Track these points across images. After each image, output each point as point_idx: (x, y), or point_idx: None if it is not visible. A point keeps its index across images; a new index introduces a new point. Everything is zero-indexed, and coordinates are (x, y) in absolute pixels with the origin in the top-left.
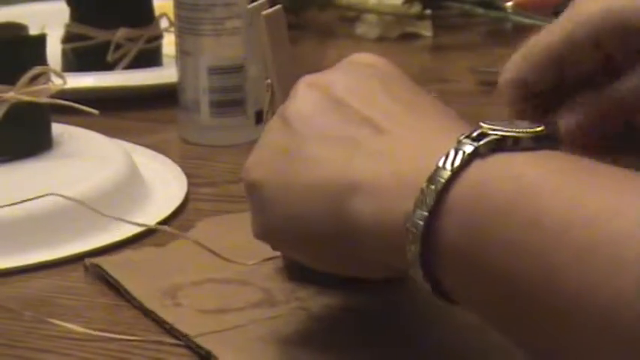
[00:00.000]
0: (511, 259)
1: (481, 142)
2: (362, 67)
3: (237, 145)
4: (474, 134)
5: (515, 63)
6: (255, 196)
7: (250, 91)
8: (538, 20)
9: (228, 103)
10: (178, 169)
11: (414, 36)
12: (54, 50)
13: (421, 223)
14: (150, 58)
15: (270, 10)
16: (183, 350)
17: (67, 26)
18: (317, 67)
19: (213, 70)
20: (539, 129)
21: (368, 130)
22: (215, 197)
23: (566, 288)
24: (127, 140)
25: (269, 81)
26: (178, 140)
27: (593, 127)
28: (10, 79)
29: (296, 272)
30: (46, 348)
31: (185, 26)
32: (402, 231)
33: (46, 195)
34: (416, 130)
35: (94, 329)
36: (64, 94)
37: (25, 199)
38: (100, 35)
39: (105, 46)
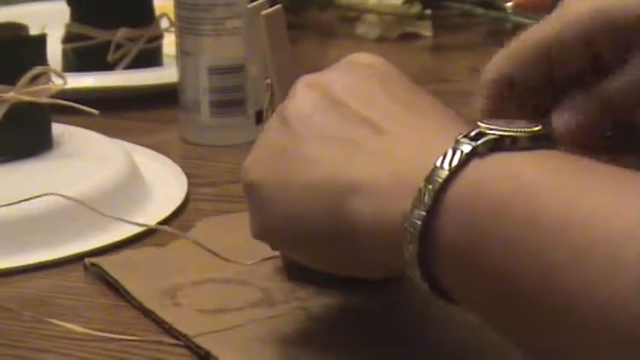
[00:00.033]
0: (509, 258)
1: (479, 142)
2: (361, 67)
3: (237, 145)
4: (472, 134)
5: (497, 63)
6: (254, 196)
7: (250, 91)
8: (538, 20)
9: (228, 103)
10: (178, 169)
11: (414, 36)
12: (54, 50)
13: (419, 222)
14: (150, 58)
15: (269, 10)
16: (183, 350)
17: (68, 26)
18: (317, 67)
19: (214, 70)
20: (536, 128)
21: (367, 130)
22: (215, 197)
23: (563, 287)
24: (127, 140)
25: (269, 81)
26: (178, 140)
27: (590, 126)
28: (11, 79)
29: (295, 272)
30: (46, 348)
31: (185, 26)
32: (400, 231)
33: (46, 194)
34: (415, 130)
35: (94, 329)
36: (64, 94)
37: (25, 198)
38: (100, 35)
39: (105, 46)
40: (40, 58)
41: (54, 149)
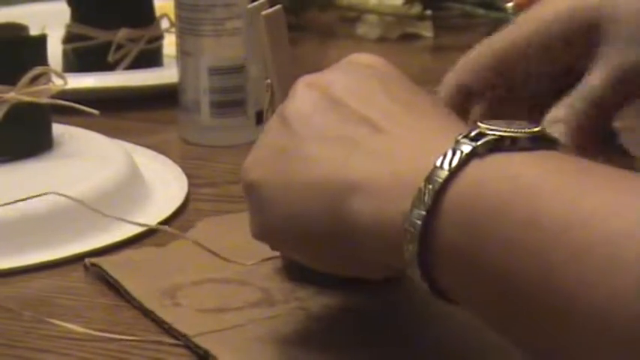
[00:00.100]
0: (509, 258)
1: (479, 142)
2: (361, 68)
3: (237, 146)
4: (472, 134)
5: (452, 76)
6: (254, 196)
7: (251, 92)
8: None
9: (228, 103)
10: (179, 169)
11: (415, 36)
12: (55, 50)
13: (419, 222)
14: (150, 58)
15: (269, 11)
16: (183, 350)
17: (68, 26)
18: (317, 68)
19: (214, 71)
20: (536, 129)
21: (366, 130)
22: (215, 197)
23: (563, 287)
24: (127, 141)
25: (269, 81)
26: (179, 141)
27: (589, 127)
28: (11, 80)
29: (295, 272)
30: (46, 348)
31: (186, 27)
32: (400, 231)
33: (47, 194)
34: (414, 129)
35: (94, 329)
36: (64, 94)
37: (24, 197)
38: (100, 36)
39: (106, 47)
40: (41, 58)
41: (54, 149)
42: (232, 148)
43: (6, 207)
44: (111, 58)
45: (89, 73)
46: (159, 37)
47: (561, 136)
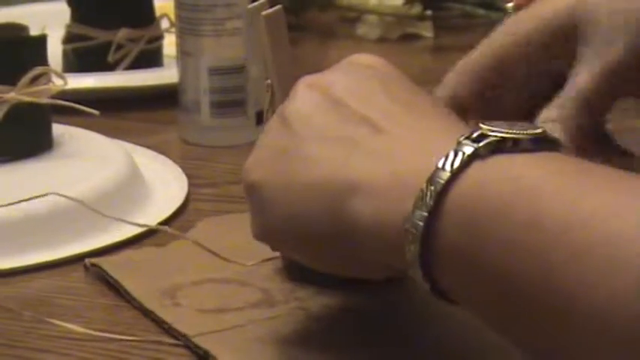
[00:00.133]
0: (510, 259)
1: (481, 144)
2: (361, 68)
3: (237, 146)
4: (474, 135)
5: (447, 83)
6: (255, 197)
7: (251, 92)
8: None
9: (228, 103)
10: (179, 169)
11: (415, 37)
12: (55, 51)
13: (421, 223)
14: (150, 58)
15: (270, 11)
16: (183, 350)
17: (68, 27)
18: (318, 68)
19: (214, 71)
20: (538, 131)
21: (366, 130)
22: (215, 198)
23: (563, 287)
24: (127, 141)
25: (269, 81)
26: (179, 141)
27: (582, 127)
28: (11, 80)
29: (295, 272)
30: (46, 348)
31: (186, 27)
32: (401, 231)
33: (47, 194)
34: (415, 130)
35: (94, 329)
36: (64, 94)
37: (25, 198)
38: (100, 36)
39: (106, 47)
40: (41, 58)
41: (54, 150)
42: (232, 149)
43: (6, 207)
44: (111, 58)
45: (89, 74)
46: (159, 37)
47: (557, 136)
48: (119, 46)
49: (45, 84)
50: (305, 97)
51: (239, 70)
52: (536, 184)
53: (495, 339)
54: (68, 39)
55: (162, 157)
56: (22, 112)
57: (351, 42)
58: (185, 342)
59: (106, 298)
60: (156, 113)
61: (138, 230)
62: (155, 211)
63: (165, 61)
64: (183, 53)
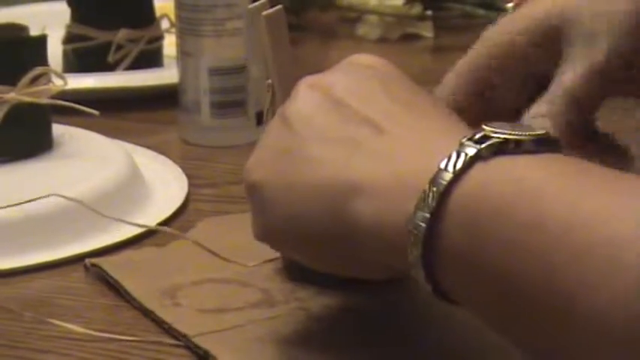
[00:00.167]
0: (511, 260)
1: (483, 145)
2: (362, 68)
3: (237, 146)
4: (476, 136)
5: (445, 88)
6: (256, 197)
7: (251, 92)
8: None
9: (228, 104)
10: (179, 169)
11: (415, 37)
12: (55, 51)
13: (423, 225)
14: (151, 59)
15: (270, 11)
16: (183, 351)
17: (68, 27)
18: (318, 68)
19: (214, 71)
20: (540, 132)
21: (368, 131)
22: (215, 198)
23: (564, 288)
24: (127, 141)
25: (269, 81)
26: (179, 141)
27: (572, 123)
28: (11, 80)
29: (296, 273)
30: (46, 348)
31: (186, 27)
32: (403, 232)
33: (48, 196)
34: (416, 130)
35: (94, 329)
36: (64, 94)
37: (25, 199)
38: (100, 36)
39: (106, 47)
40: (41, 58)
41: (54, 150)
42: (233, 149)
43: (7, 208)
44: (111, 58)
45: (89, 74)
46: (159, 38)
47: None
48: (119, 47)
49: (45, 84)
50: (306, 98)
51: (239, 70)
52: (539, 186)
53: (496, 339)
54: (68, 39)
55: (162, 158)
56: (22, 113)
57: (351, 42)
58: (185, 342)
59: (106, 298)
60: (156, 113)
61: (138, 230)
62: (155, 212)
63: (166, 61)
64: (183, 53)
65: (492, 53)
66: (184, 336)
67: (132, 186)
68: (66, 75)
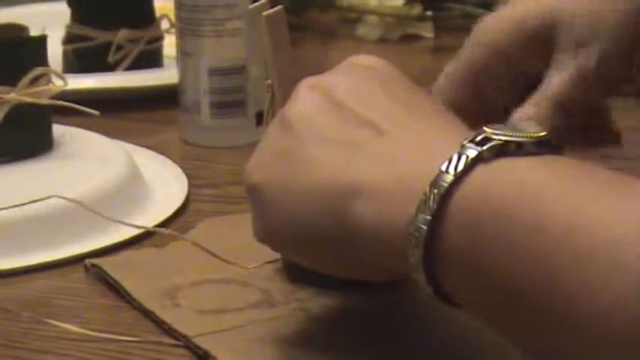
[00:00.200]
0: (512, 262)
1: (484, 147)
2: (361, 69)
3: (237, 147)
4: (478, 138)
5: (439, 90)
6: (256, 199)
7: (251, 93)
8: None
9: (228, 104)
10: (179, 170)
11: (415, 37)
12: (55, 51)
13: (424, 227)
14: (151, 59)
15: (270, 11)
16: (183, 351)
17: (68, 27)
18: (318, 68)
19: (214, 72)
20: (542, 134)
21: (368, 132)
22: (216, 198)
23: (565, 291)
24: (127, 141)
25: (269, 82)
26: (179, 141)
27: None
28: (11, 80)
29: (295, 274)
30: (45, 349)
31: (186, 27)
32: (403, 234)
33: (49, 197)
34: (416, 131)
35: (94, 330)
36: (64, 95)
37: (26, 200)
38: (100, 36)
39: (106, 48)
40: (41, 59)
41: (54, 150)
42: (232, 149)
43: (7, 208)
44: (111, 58)
45: (89, 74)
46: (159, 38)
47: None
48: (119, 47)
49: (45, 84)
50: (306, 99)
51: (239, 70)
52: (540, 188)
53: (496, 340)
54: (68, 39)
55: (162, 158)
56: (22, 113)
57: (351, 42)
58: (185, 342)
59: (106, 298)
60: (156, 114)
61: (138, 231)
62: (155, 212)
63: (166, 61)
64: (183, 54)
65: (477, 53)
66: (184, 336)
67: (132, 186)
68: (66, 75)
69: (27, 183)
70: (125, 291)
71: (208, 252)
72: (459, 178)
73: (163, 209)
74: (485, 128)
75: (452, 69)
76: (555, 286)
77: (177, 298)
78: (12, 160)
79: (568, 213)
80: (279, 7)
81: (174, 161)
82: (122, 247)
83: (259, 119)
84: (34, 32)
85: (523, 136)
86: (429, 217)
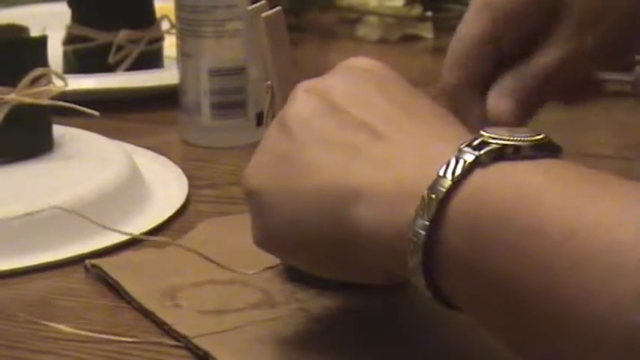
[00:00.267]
0: (511, 265)
1: (482, 151)
2: (359, 71)
3: (238, 147)
4: (475, 143)
5: (448, 72)
6: (255, 202)
7: (251, 93)
8: None
9: (229, 104)
10: (179, 170)
11: (415, 38)
12: (55, 52)
13: (422, 232)
14: (151, 59)
15: (270, 12)
16: (183, 352)
17: (69, 28)
18: (318, 69)
19: (214, 72)
20: (539, 137)
21: (366, 136)
22: (216, 199)
23: (564, 294)
24: (127, 142)
25: (269, 83)
26: (179, 142)
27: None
28: (12, 81)
29: (295, 275)
30: (45, 349)
31: (186, 28)
32: (403, 239)
33: (48, 208)
34: (414, 134)
35: (94, 331)
36: (65, 95)
37: (26, 200)
38: (101, 37)
39: (106, 48)
40: (41, 59)
41: (55, 151)
42: (233, 150)
43: (7, 208)
44: (111, 59)
45: (90, 75)
46: (159, 39)
47: (509, 110)
48: (119, 48)
49: (45, 85)
50: (304, 102)
51: (239, 71)
52: (539, 191)
53: (496, 340)
54: (69, 40)
55: (162, 158)
56: (22, 114)
57: (351, 43)
58: (185, 343)
59: (106, 299)
60: (156, 114)
61: (138, 231)
62: (155, 212)
63: (166, 62)
64: (183, 54)
65: (487, 16)
66: (184, 337)
67: (132, 187)
68: (66, 76)
69: (27, 184)
70: (125, 291)
71: (207, 259)
72: (457, 182)
73: (163, 210)
74: (482, 132)
75: (460, 42)
76: (554, 289)
77: (177, 298)
78: (12, 160)
79: (567, 216)
80: (278, 8)
81: (175, 162)
82: (122, 247)
83: (259, 120)
84: (34, 33)
85: (520, 140)
86: (427, 222)
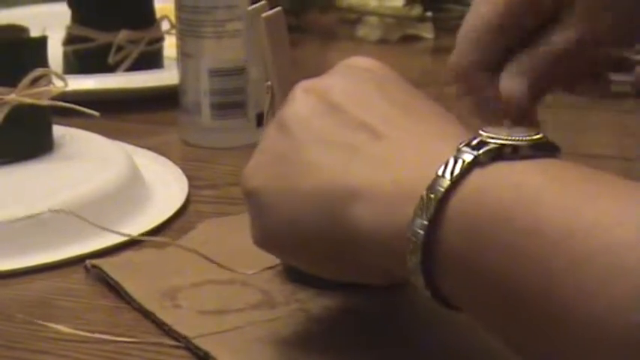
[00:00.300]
0: (510, 265)
1: (480, 151)
2: (358, 71)
3: (238, 147)
4: (474, 142)
5: (460, 52)
6: (254, 202)
7: (251, 94)
8: None
9: (229, 105)
10: (179, 171)
11: (415, 38)
12: (55, 52)
13: (421, 232)
14: (151, 60)
15: (270, 12)
16: (183, 352)
17: (69, 28)
18: (318, 69)
19: (214, 73)
20: (537, 137)
21: (365, 136)
22: (216, 199)
23: (563, 294)
24: (127, 142)
25: (269, 83)
26: (179, 142)
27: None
28: (12, 82)
29: (295, 276)
30: (45, 350)
31: (186, 28)
32: (402, 238)
33: (46, 212)
34: (413, 134)
35: (94, 331)
36: (65, 96)
37: (26, 200)
38: (101, 37)
39: (106, 49)
40: (41, 60)
41: (55, 151)
42: (233, 150)
43: (7, 209)
44: (111, 59)
45: (89, 75)
46: (159, 39)
47: (521, 90)
48: (119, 48)
49: (45, 85)
50: (302, 102)
51: (239, 71)
52: (537, 191)
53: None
54: (69, 40)
55: (162, 159)
56: (22, 114)
57: (351, 43)
58: (185, 343)
59: (106, 299)
60: (156, 115)
61: (138, 231)
62: (155, 213)
63: (166, 62)
64: (183, 55)
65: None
66: (184, 337)
67: (132, 187)
68: (66, 76)
69: (27, 184)
70: (125, 292)
71: (207, 259)
72: (456, 182)
73: (164, 210)
74: (480, 132)
75: (470, 28)
76: (553, 289)
77: (177, 299)
78: (12, 161)
79: (566, 216)
80: (278, 8)
81: (175, 162)
82: (122, 248)
83: (259, 120)
84: (34, 33)
85: (519, 140)
86: (426, 222)
